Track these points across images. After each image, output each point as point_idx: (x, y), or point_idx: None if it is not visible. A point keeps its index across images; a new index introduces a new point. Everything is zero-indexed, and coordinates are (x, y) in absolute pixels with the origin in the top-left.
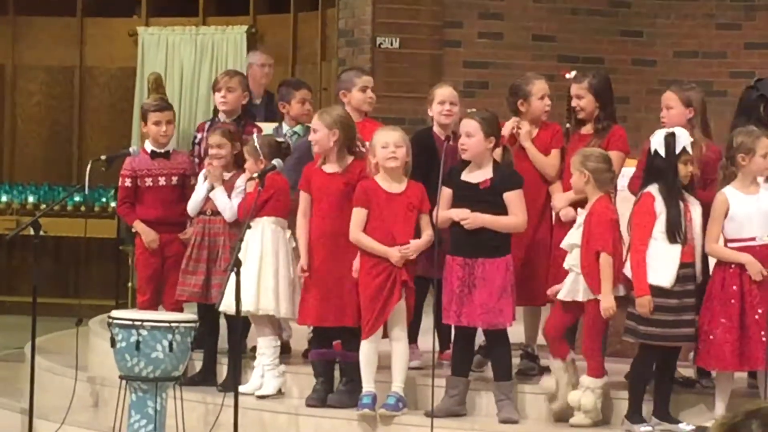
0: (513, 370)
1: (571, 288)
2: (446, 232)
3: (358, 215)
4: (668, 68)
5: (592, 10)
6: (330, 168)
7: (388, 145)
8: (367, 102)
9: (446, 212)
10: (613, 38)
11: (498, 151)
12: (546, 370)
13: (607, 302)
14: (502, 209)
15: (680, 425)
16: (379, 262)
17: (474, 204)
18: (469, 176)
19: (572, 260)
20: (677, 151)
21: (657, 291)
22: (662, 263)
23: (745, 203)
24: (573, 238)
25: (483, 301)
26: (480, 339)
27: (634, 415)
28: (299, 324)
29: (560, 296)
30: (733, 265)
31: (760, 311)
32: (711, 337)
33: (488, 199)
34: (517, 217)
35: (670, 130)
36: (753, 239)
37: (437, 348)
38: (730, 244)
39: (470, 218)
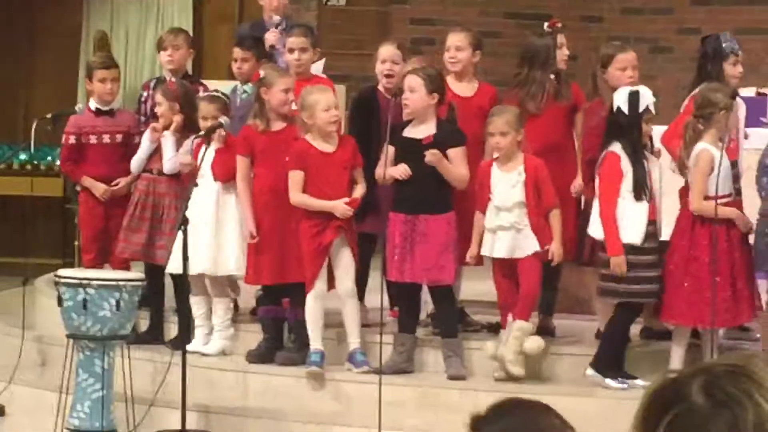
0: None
1: (512, 245)
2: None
3: (296, 177)
4: (615, 25)
5: None
6: (277, 125)
7: (330, 108)
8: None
9: (388, 170)
10: None
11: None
12: (488, 327)
13: (561, 251)
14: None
15: (637, 380)
16: (321, 221)
17: (417, 160)
18: (412, 132)
19: (514, 217)
20: (641, 110)
21: (630, 249)
22: (631, 221)
23: (723, 159)
24: (516, 196)
25: (425, 258)
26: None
27: (606, 369)
28: (252, 284)
29: (500, 255)
30: (718, 223)
31: (739, 265)
32: (706, 297)
33: None
34: (464, 172)
35: (635, 88)
36: (730, 195)
37: (386, 305)
38: (713, 202)
39: (431, 152)
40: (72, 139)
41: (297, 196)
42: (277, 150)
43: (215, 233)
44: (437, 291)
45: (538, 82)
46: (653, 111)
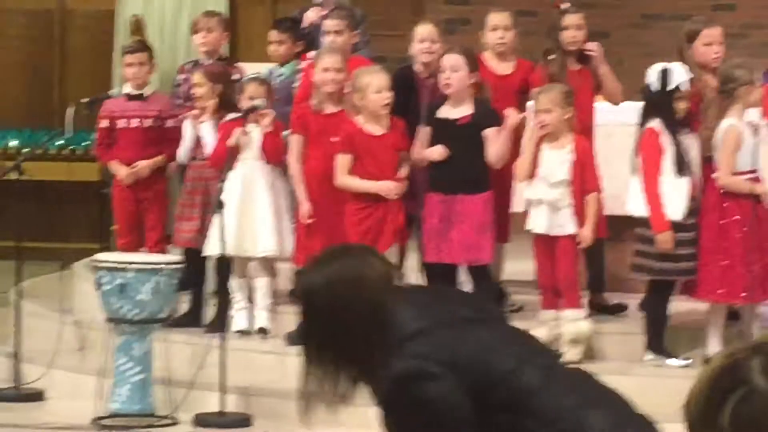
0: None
1: (550, 222)
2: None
3: (344, 161)
4: (649, 2)
5: None
6: (332, 108)
7: (381, 90)
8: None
9: (424, 152)
10: None
11: None
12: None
13: (590, 235)
14: (479, 145)
15: (673, 360)
16: (368, 205)
17: (453, 140)
18: (447, 113)
19: (556, 195)
20: (670, 87)
21: (670, 225)
22: (672, 197)
23: (749, 135)
24: (562, 173)
25: (463, 238)
26: None
27: (661, 349)
28: (303, 266)
29: (540, 230)
30: (747, 198)
31: None
32: (738, 272)
33: (467, 134)
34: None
35: (667, 65)
36: (754, 171)
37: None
38: (739, 176)
39: (510, 112)
40: (104, 123)
41: (343, 179)
42: (330, 133)
43: (251, 214)
44: (475, 270)
45: (557, 61)
46: (682, 88)
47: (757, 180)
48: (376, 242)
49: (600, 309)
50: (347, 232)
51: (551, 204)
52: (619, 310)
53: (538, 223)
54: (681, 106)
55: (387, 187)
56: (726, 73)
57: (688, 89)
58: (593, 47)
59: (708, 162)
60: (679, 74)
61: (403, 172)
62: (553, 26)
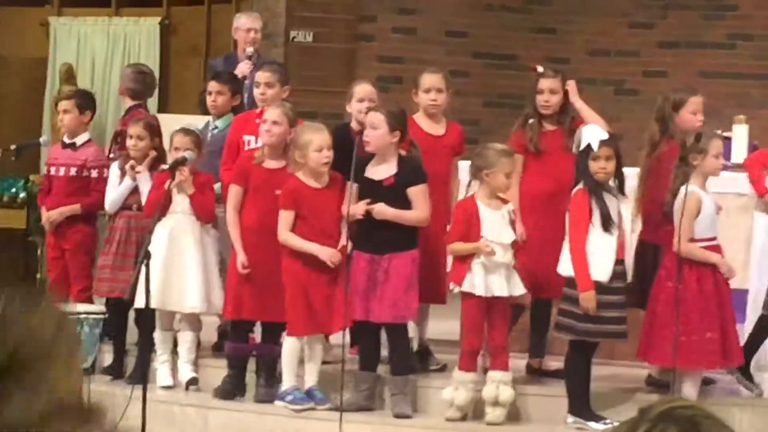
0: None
1: (509, 282)
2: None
3: (286, 217)
4: (581, 66)
5: (506, 7)
6: (273, 164)
7: (322, 149)
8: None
9: (351, 209)
10: (527, 35)
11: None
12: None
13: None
14: (406, 204)
15: (594, 423)
16: (305, 264)
17: (378, 200)
18: (373, 172)
19: (510, 256)
20: (580, 149)
21: (596, 287)
22: (599, 258)
23: (709, 203)
24: (511, 234)
25: (389, 296)
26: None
27: (584, 412)
28: (231, 318)
29: (502, 293)
30: (705, 266)
31: (729, 309)
32: (693, 338)
33: (392, 195)
34: (421, 212)
35: (584, 127)
36: (714, 239)
37: (347, 343)
38: (698, 244)
39: (376, 209)
40: (44, 170)
41: (285, 235)
42: (269, 187)
43: (178, 268)
44: (393, 328)
45: (531, 124)
46: (594, 148)
47: (715, 248)
48: (327, 311)
49: (540, 374)
50: (285, 288)
51: (509, 265)
52: (561, 376)
53: (499, 285)
54: (596, 166)
55: (328, 254)
56: (683, 139)
57: (607, 149)
58: (569, 84)
59: (667, 226)
60: (588, 135)
61: (344, 239)
62: (531, 88)
